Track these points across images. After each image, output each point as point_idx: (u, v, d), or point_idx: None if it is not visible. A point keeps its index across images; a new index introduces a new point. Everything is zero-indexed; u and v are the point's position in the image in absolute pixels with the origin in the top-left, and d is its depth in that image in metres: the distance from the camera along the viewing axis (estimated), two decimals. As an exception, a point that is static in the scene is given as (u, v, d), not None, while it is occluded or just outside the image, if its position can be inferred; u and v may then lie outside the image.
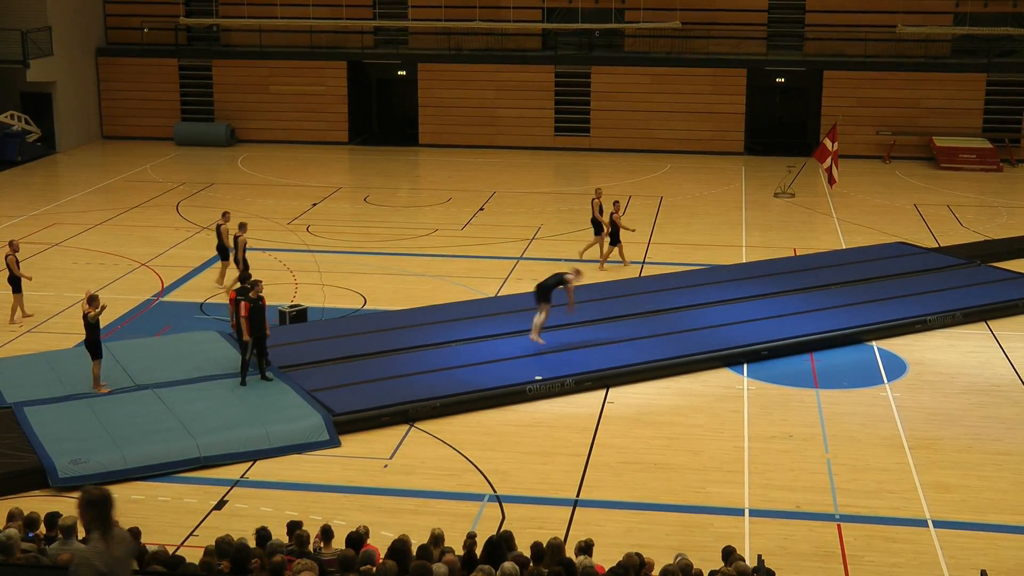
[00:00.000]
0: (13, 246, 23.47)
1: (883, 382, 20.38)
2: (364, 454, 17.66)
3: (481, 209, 32.64)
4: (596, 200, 27.22)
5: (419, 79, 41.67)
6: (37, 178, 37.30)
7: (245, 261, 24.47)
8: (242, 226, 24.98)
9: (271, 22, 41.96)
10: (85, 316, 19.40)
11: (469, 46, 41.73)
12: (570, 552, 12.18)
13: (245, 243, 24.76)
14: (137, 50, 42.87)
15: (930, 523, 15.59)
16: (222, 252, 25.27)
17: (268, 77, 42.21)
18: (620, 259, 27.04)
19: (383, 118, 44.59)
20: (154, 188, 35.08)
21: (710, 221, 31.32)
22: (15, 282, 23.15)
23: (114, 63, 42.90)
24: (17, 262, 23.10)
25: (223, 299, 24.27)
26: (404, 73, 42.58)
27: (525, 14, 41.26)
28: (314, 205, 33.00)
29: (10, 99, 39.69)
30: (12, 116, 38.90)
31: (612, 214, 26.73)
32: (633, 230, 27.80)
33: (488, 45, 41.72)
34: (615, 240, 26.78)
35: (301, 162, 39.05)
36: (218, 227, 25.50)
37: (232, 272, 24.79)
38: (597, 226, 27.14)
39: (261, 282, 20.02)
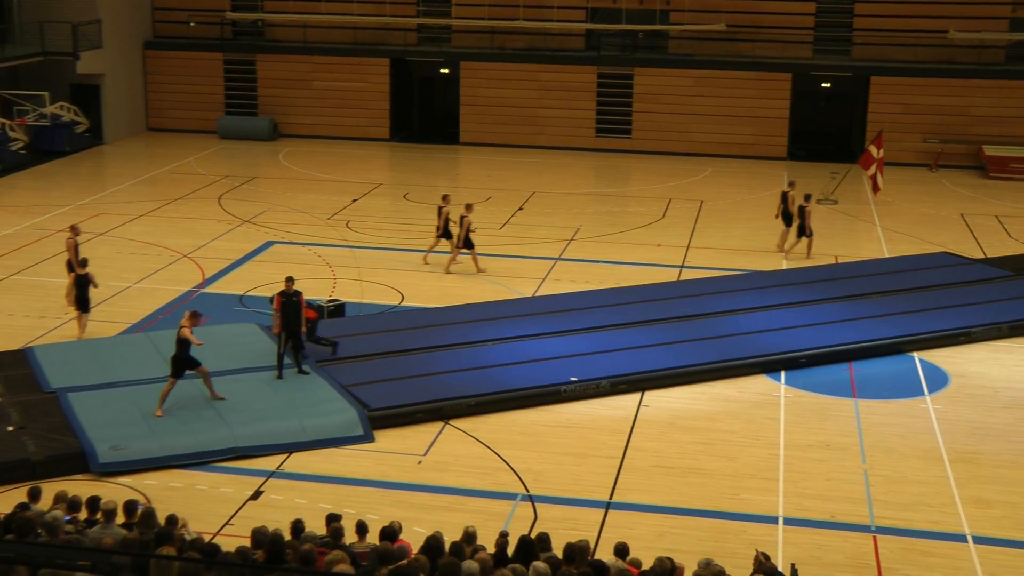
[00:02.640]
0: (75, 230, 23.64)
1: (924, 394, 20.19)
2: (398, 450, 17.69)
3: (520, 209, 32.63)
4: (790, 192, 28.15)
5: (461, 77, 41.71)
6: (84, 168, 37.64)
7: (469, 240, 26.01)
8: (468, 207, 26.28)
9: (315, 18, 42.13)
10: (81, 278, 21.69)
11: (512, 45, 41.75)
12: (609, 554, 12.15)
13: (470, 224, 25.79)
14: (183, 44, 43.18)
15: (969, 538, 15.41)
16: (445, 234, 26.36)
17: (311, 73, 42.38)
18: (803, 251, 28.09)
19: (424, 116, 44.68)
20: (197, 180, 35.31)
21: (751, 226, 31.13)
22: (72, 266, 23.46)
23: (161, 56, 43.22)
24: (76, 247, 23.24)
25: (262, 292, 24.41)
26: (447, 71, 42.66)
27: (569, 14, 41.21)
28: (354, 201, 33.10)
29: (61, 90, 40.06)
30: (62, 107, 39.28)
31: (803, 206, 27.64)
32: (811, 233, 28.30)
33: (531, 44, 41.72)
34: (802, 232, 27.84)
35: (342, 158, 39.19)
36: (440, 209, 26.56)
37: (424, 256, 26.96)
38: (788, 218, 28.14)
39: (293, 279, 20.04)
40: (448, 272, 26.24)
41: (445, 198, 26.87)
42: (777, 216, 28.91)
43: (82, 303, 21.93)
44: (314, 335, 20.48)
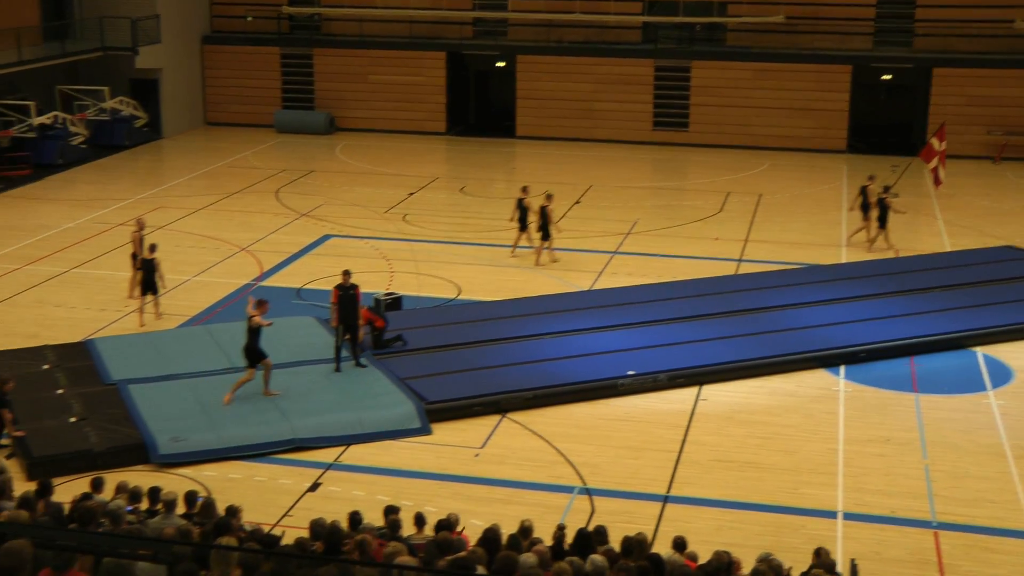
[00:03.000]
0: (140, 224, 23.91)
1: (986, 389, 19.91)
2: (456, 443, 17.72)
3: (577, 202, 32.56)
4: (869, 186, 28.21)
5: (518, 71, 41.69)
6: (143, 162, 38.02)
7: (547, 230, 26.14)
8: (549, 196, 26.48)
9: (372, 11, 42.27)
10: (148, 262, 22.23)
11: (569, 38, 41.66)
12: (667, 548, 12.10)
13: (551, 213, 26.18)
14: (241, 38, 43.49)
15: (1033, 534, 15.22)
16: (522, 223, 26.70)
17: (368, 66, 42.53)
18: (885, 245, 27.83)
19: (481, 109, 44.72)
20: (255, 174, 35.56)
21: (809, 220, 30.89)
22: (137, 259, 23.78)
23: (218, 51, 43.57)
24: (141, 240, 23.47)
25: (320, 285, 24.55)
26: (503, 64, 42.65)
27: (626, 7, 41.07)
28: (411, 194, 33.19)
29: (120, 85, 40.49)
30: (121, 102, 39.70)
31: (882, 197, 27.64)
32: (904, 212, 28.52)
33: (588, 37, 41.62)
34: (883, 223, 27.68)
35: (399, 151, 39.31)
36: (519, 201, 26.83)
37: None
38: (866, 211, 28.18)
39: (350, 272, 20.04)
40: (539, 264, 26.41)
41: (525, 189, 27.01)
42: (852, 209, 28.82)
43: (150, 287, 22.32)
44: (380, 342, 20.51)
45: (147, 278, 22.34)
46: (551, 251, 26.58)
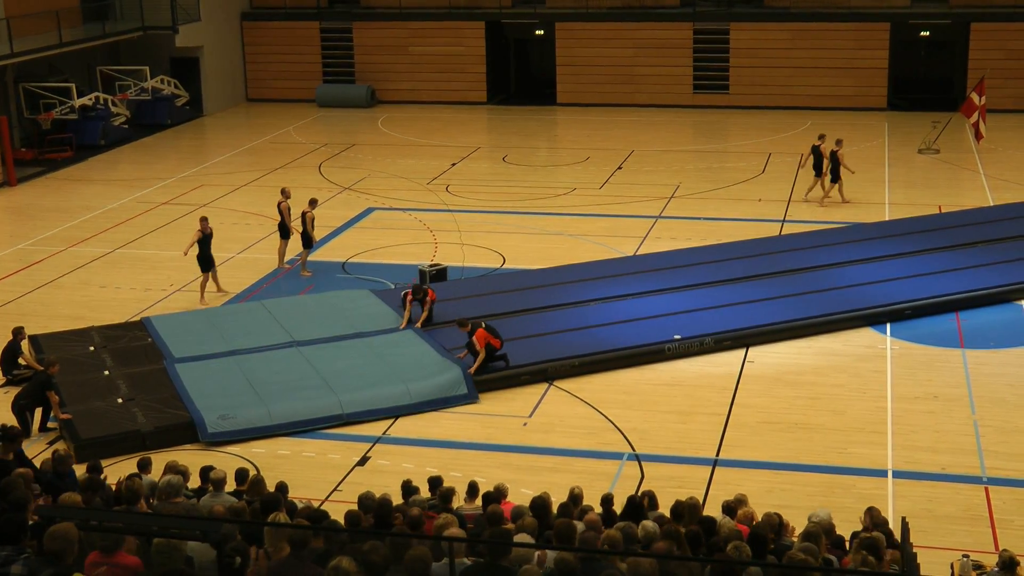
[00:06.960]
0: (286, 193, 24.25)
1: (1033, 343, 19.79)
2: (504, 412, 17.82)
3: (619, 168, 32.49)
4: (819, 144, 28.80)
5: (557, 38, 41.54)
6: (185, 141, 38.26)
7: (837, 172, 27.89)
8: (839, 142, 27.91)
9: (409, -17, 42.22)
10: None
11: (607, 4, 41.44)
12: (717, 511, 12.14)
13: (842, 157, 27.83)
14: (280, 14, 43.59)
15: (1084, 488, 15.14)
16: (817, 169, 28.17)
17: (407, 38, 42.52)
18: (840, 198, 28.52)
19: (521, 78, 44.62)
20: (297, 149, 35.71)
21: (852, 178, 30.52)
22: (283, 229, 24.24)
23: (258, 27, 43.70)
24: (289, 210, 23.93)
25: (364, 259, 24.69)
26: (542, 32, 42.50)
27: (663, -30, 40.79)
28: (453, 165, 33.23)
29: (160, 64, 40.71)
30: (162, 81, 39.93)
31: (834, 150, 28.19)
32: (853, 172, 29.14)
33: (626, 3, 41.38)
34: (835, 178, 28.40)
35: (440, 122, 39.34)
36: (814, 148, 28.12)
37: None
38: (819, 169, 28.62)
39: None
40: (822, 205, 27.97)
41: (821, 137, 27.99)
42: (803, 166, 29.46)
43: (307, 240, 23.82)
44: (492, 357, 20.03)
45: (304, 231, 23.73)
46: (841, 192, 27.97)
